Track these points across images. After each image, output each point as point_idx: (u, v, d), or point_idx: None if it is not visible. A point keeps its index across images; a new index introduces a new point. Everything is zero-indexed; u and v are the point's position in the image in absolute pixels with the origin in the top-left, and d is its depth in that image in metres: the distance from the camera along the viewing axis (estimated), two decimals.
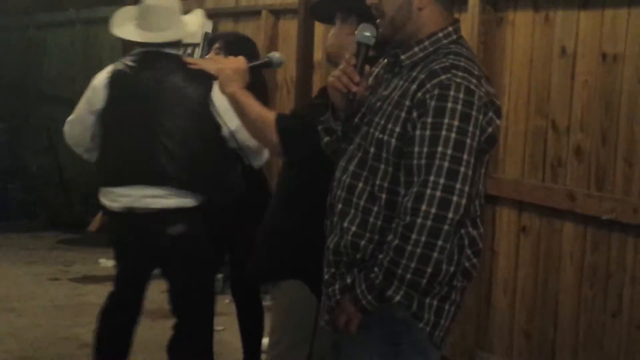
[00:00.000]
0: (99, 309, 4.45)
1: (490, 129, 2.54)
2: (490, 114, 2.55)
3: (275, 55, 3.61)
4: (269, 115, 3.20)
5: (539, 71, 4.42)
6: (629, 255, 3.97)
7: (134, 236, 4.20)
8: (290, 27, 6.56)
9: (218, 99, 4.04)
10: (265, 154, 4.25)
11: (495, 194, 4.61)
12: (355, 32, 2.75)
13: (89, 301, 4.48)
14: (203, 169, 4.15)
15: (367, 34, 2.71)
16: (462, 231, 2.57)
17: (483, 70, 2.63)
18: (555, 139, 4.32)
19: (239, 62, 3.32)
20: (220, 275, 6.95)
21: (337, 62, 3.29)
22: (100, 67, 9.68)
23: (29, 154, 10.06)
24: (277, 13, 6.72)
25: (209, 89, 4.11)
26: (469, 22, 4.70)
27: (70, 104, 9.75)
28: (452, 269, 2.55)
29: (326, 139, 2.92)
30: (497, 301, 4.67)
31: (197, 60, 4.34)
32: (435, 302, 2.60)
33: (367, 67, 2.74)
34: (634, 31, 3.95)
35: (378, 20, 2.69)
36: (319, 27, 6.15)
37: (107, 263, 7.61)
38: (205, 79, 4.06)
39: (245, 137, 4.05)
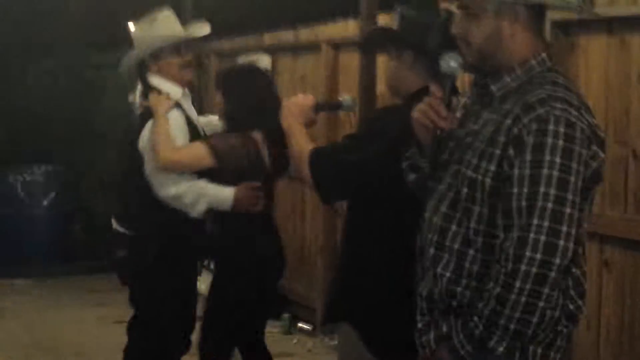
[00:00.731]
0: None
1: (594, 164, 2.37)
2: (594, 147, 2.37)
3: (347, 98, 3.46)
4: (307, 149, 3.07)
5: (616, 98, 4.22)
6: None
7: None
8: (351, 60, 6.43)
9: (142, 139, 4.22)
10: (196, 210, 4.23)
11: None
12: (440, 61, 2.58)
13: None
14: (132, 204, 4.41)
15: (453, 64, 2.55)
16: (572, 271, 2.42)
17: (583, 99, 2.45)
18: (637, 168, 4.12)
19: (306, 99, 3.25)
20: (287, 315, 6.84)
21: (399, 96, 3.23)
22: None
23: (92, 195, 10.04)
24: (338, 46, 6.61)
25: (142, 128, 4.25)
26: None
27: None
28: (556, 313, 2.38)
29: (412, 176, 2.77)
30: (580, 338, 4.44)
31: (153, 99, 4.29)
32: (539, 350, 2.44)
33: (454, 100, 2.59)
34: None
35: (462, 49, 2.53)
36: (381, 59, 6.02)
37: None
38: (145, 118, 4.24)
39: (155, 185, 4.20)
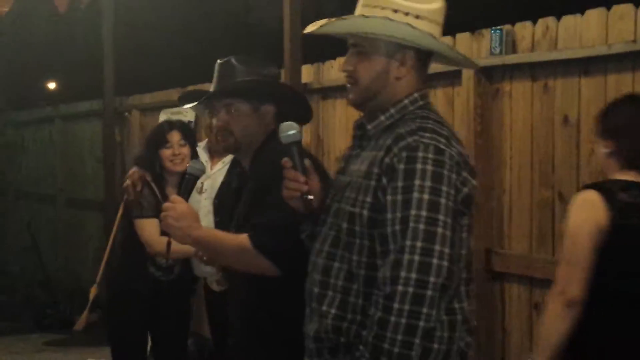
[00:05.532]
0: None
1: (465, 189, 2.45)
2: (464, 173, 2.45)
3: (194, 165, 3.20)
4: (246, 242, 2.93)
5: (542, 142, 4.30)
6: None
7: None
8: None
9: None
10: None
11: (502, 271, 4.46)
12: (280, 134, 2.65)
13: None
14: None
15: (293, 132, 2.64)
16: (457, 306, 2.43)
17: (453, 131, 2.54)
18: (564, 210, 4.14)
19: (177, 204, 3.00)
20: None
21: (250, 145, 3.15)
22: (81, 162, 9.49)
23: (10, 253, 9.82)
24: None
25: None
26: (464, 95, 4.60)
27: (51, 200, 9.53)
28: (443, 347, 2.37)
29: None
30: None
31: None
32: None
33: (307, 161, 2.63)
34: None
35: (349, 85, 2.61)
36: None
37: None
38: None
39: None
